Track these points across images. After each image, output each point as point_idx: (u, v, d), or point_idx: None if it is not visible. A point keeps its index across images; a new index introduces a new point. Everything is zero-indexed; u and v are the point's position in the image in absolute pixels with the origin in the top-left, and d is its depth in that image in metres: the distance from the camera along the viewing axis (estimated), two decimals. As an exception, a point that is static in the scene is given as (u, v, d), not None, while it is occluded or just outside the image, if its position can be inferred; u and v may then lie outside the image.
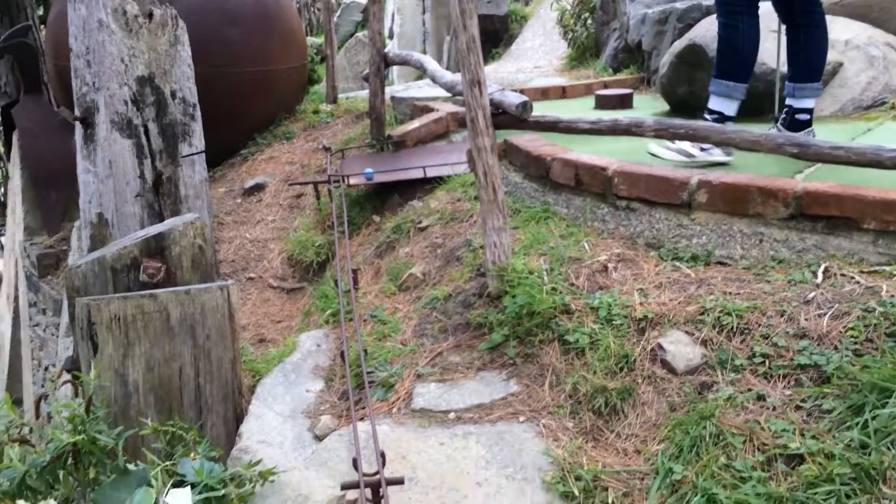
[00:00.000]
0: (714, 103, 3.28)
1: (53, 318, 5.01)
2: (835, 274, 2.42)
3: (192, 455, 2.12)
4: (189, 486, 1.91)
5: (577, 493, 2.05)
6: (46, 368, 5.13)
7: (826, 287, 2.37)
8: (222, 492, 1.97)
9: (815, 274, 2.44)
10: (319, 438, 2.40)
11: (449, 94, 5.24)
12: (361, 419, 2.41)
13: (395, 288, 3.33)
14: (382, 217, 4.32)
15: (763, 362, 2.19)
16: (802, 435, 1.95)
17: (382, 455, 2.09)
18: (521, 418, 2.36)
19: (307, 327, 3.46)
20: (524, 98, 2.89)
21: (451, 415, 2.42)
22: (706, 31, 4.54)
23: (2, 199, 12.79)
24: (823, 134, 3.31)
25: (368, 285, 3.53)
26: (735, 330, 2.31)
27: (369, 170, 4.37)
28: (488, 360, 2.63)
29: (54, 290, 5.09)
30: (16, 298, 5.91)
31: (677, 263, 2.67)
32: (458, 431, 2.33)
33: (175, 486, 1.93)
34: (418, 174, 4.33)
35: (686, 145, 3.27)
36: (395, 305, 3.18)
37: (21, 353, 5.72)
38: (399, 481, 2.00)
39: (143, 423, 2.26)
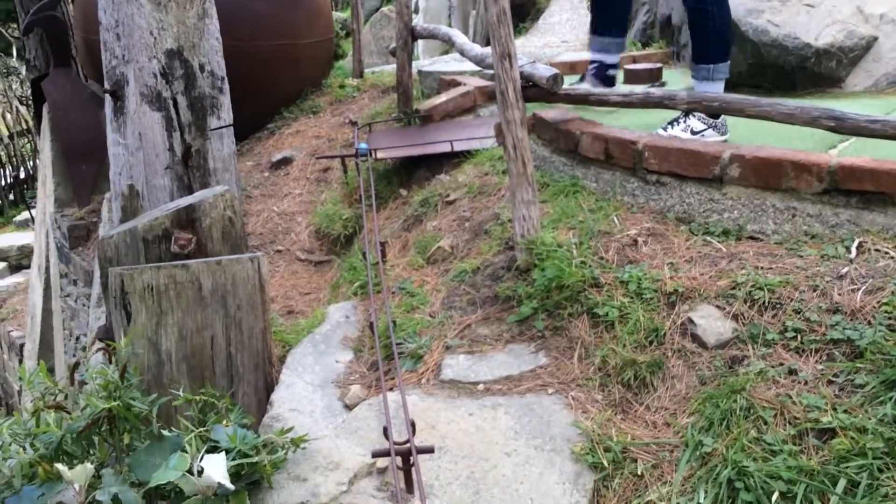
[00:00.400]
0: (701, 87, 3.25)
1: (84, 289, 5.08)
2: (869, 249, 2.39)
3: (224, 422, 2.15)
4: (223, 452, 1.93)
5: (606, 464, 2.06)
6: (77, 339, 5.20)
7: (860, 262, 2.35)
8: (255, 458, 2.00)
9: (848, 249, 2.42)
10: (349, 407, 2.43)
11: (476, 69, 5.21)
12: (391, 389, 2.43)
13: (422, 261, 3.34)
14: (410, 191, 4.32)
15: (795, 337, 2.18)
16: (835, 409, 1.94)
17: (412, 424, 2.10)
18: (550, 390, 2.36)
19: (335, 299, 3.48)
20: (555, 71, 2.87)
21: (480, 386, 2.43)
22: (738, 5, 4.47)
23: (31, 173, 12.94)
24: (857, 109, 3.26)
25: (396, 258, 3.54)
26: (767, 304, 2.29)
27: (363, 144, 4.28)
28: (517, 332, 2.64)
29: (85, 261, 5.15)
30: (47, 269, 5.98)
31: (708, 238, 2.65)
32: (487, 402, 2.34)
33: (209, 451, 1.96)
34: (445, 148, 4.32)
35: (677, 131, 3.27)
36: (424, 278, 3.19)
37: (52, 324, 5.81)
38: (429, 450, 2.01)
39: (175, 391, 2.29)
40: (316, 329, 2.99)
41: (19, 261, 10.34)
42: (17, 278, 9.42)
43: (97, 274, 4.44)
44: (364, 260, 3.45)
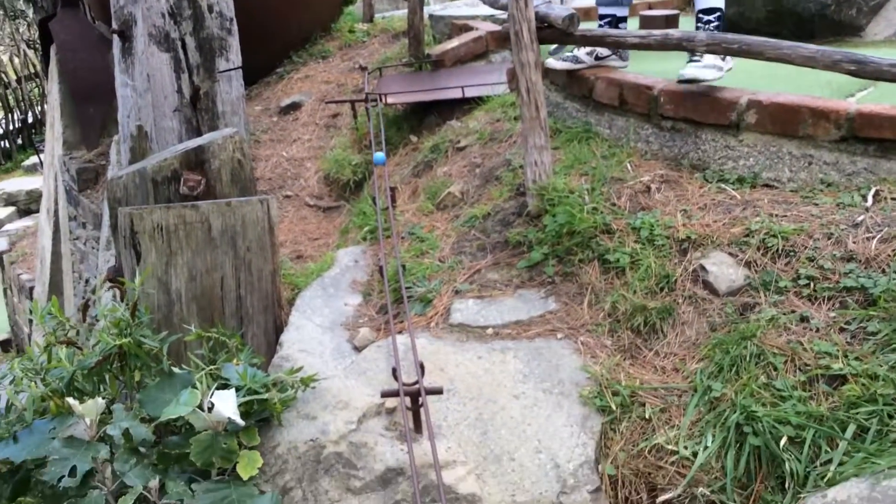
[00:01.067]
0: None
1: (93, 232, 5.08)
2: (885, 198, 2.36)
3: (234, 361, 2.16)
4: (233, 389, 1.94)
5: (613, 407, 2.07)
6: (87, 281, 5.22)
7: (875, 210, 2.32)
8: (265, 395, 2.01)
9: (864, 197, 2.39)
10: (358, 349, 2.43)
11: (488, 13, 5.13)
12: (399, 332, 2.43)
13: (432, 206, 3.32)
14: (420, 137, 4.28)
15: (808, 284, 2.16)
16: (846, 356, 1.94)
17: (421, 365, 2.11)
18: (559, 335, 2.36)
19: (345, 244, 3.47)
20: (571, 10, 2.81)
21: (489, 330, 2.43)
22: (758, -51, 4.36)
23: (39, 117, 12.88)
24: (878, 56, 3.20)
25: (406, 204, 3.52)
26: (780, 252, 2.27)
27: (380, 154, 3.61)
28: (527, 278, 2.63)
29: (94, 204, 5.14)
30: (56, 212, 5.98)
31: (723, 185, 2.62)
32: (495, 346, 2.34)
33: (219, 389, 1.97)
34: (457, 94, 4.27)
35: (581, 53, 3.26)
36: (433, 223, 3.17)
37: (62, 267, 5.83)
38: (438, 391, 2.02)
39: (186, 331, 2.30)
40: (325, 273, 2.99)
41: (28, 205, 10.35)
42: (26, 222, 9.44)
43: (106, 216, 4.44)
44: (374, 205, 3.43)
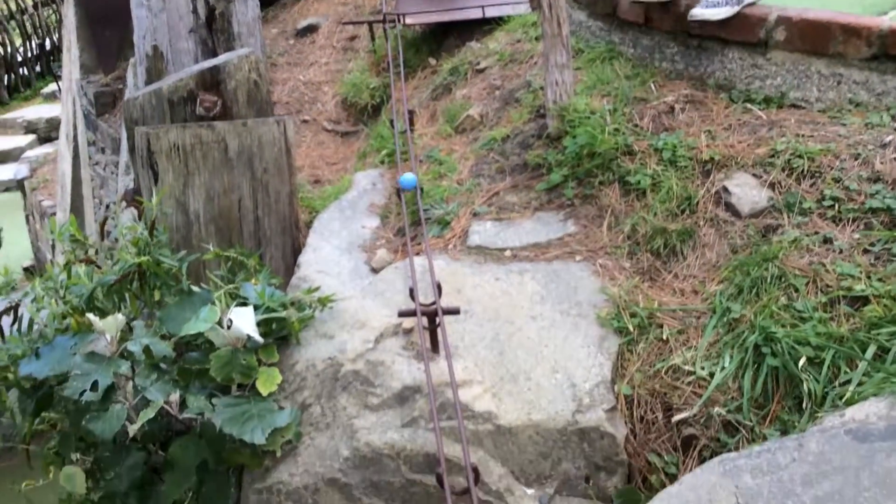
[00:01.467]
0: None
1: (112, 157, 5.08)
2: (916, 118, 2.30)
3: (253, 281, 2.16)
4: (251, 306, 1.95)
5: (631, 328, 2.06)
6: (107, 207, 5.24)
7: (906, 131, 2.26)
8: (283, 314, 2.02)
9: (893, 117, 2.32)
10: (376, 270, 2.43)
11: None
12: (417, 254, 2.42)
13: (451, 130, 3.28)
14: (439, 59, 4.21)
15: (833, 206, 2.12)
16: (869, 277, 1.91)
17: (439, 286, 2.10)
18: (578, 257, 2.34)
19: (362, 168, 3.45)
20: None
21: (507, 252, 2.42)
22: None
23: (56, 44, 12.78)
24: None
25: (424, 127, 3.48)
26: (805, 173, 2.22)
27: (410, 176, 2.78)
28: (546, 200, 2.60)
29: (112, 129, 5.13)
30: (75, 138, 5.98)
31: (749, 105, 2.55)
32: (513, 268, 2.33)
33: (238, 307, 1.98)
34: (477, 14, 4.17)
35: None
36: (452, 147, 3.13)
37: (82, 192, 5.85)
38: (455, 311, 2.02)
39: (205, 251, 2.30)
40: (343, 195, 2.97)
41: (48, 133, 10.35)
42: (46, 149, 9.46)
43: (124, 142, 4.43)
44: (392, 129, 3.39)
